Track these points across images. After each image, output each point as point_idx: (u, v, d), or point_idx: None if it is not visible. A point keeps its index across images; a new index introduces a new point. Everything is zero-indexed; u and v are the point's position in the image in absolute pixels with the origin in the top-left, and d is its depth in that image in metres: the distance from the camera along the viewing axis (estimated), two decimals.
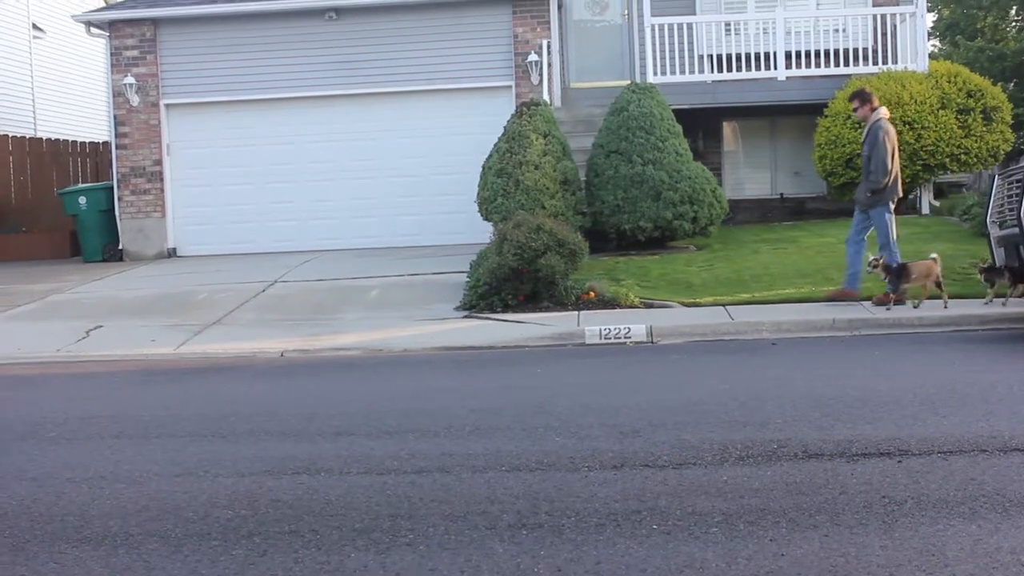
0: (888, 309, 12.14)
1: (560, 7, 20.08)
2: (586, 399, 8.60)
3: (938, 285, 12.15)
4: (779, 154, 21.14)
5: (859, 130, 17.34)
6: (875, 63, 19.09)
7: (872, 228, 12.76)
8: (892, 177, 12.51)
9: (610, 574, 4.91)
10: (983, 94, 18.14)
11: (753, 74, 19.00)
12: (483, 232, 15.77)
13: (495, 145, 16.34)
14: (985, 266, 12.28)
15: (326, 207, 19.96)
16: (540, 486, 6.20)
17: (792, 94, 19.13)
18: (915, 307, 12.13)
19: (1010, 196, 11.73)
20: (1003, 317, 11.50)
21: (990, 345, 10.56)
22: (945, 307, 11.97)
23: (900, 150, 17.27)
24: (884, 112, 12.89)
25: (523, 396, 8.97)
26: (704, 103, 19.13)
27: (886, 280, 12.30)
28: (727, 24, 19.75)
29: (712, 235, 16.83)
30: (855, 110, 13.07)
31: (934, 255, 12.33)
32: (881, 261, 12.28)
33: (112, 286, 16.85)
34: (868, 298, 12.47)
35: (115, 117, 20.43)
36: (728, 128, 21.28)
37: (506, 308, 13.07)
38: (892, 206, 12.66)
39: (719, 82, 19.23)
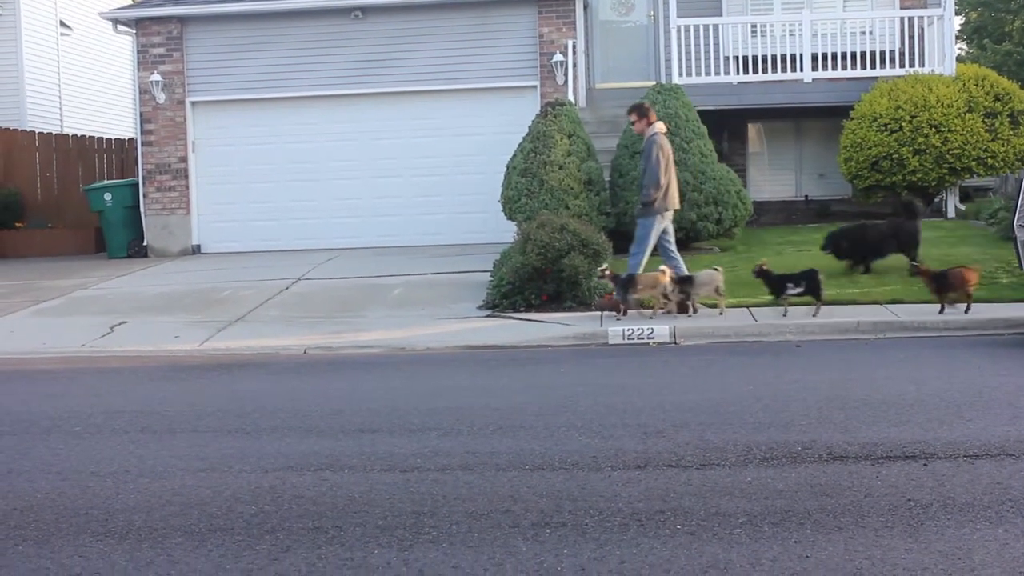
0: (618, 319, 12.29)
1: (586, 7, 20.06)
2: (609, 399, 8.58)
3: (665, 296, 12.30)
4: (804, 156, 21.07)
5: (886, 132, 17.32)
6: (902, 66, 19.00)
7: (670, 236, 13.05)
8: (664, 191, 12.69)
9: (634, 574, 4.91)
10: (1010, 97, 18.03)
11: (779, 76, 18.93)
12: (506, 231, 15.76)
13: (519, 145, 16.33)
14: (921, 268, 12.49)
15: (349, 205, 19.99)
16: (563, 485, 6.20)
17: (818, 96, 19.05)
18: (650, 316, 12.32)
19: None
20: None
21: (1017, 349, 10.48)
22: (653, 316, 12.27)
23: (926, 152, 17.36)
24: (660, 127, 13.06)
25: (546, 395, 8.96)
26: (729, 104, 19.08)
27: (615, 289, 12.47)
28: (753, 26, 19.67)
29: (736, 236, 16.77)
30: (632, 124, 13.25)
31: (663, 267, 12.45)
32: (608, 272, 12.51)
33: (136, 282, 16.92)
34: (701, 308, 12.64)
35: (141, 114, 20.51)
36: (753, 130, 21.21)
37: (529, 308, 13.05)
38: (663, 217, 12.83)
39: (744, 84, 19.17)
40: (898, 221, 14.32)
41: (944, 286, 11.94)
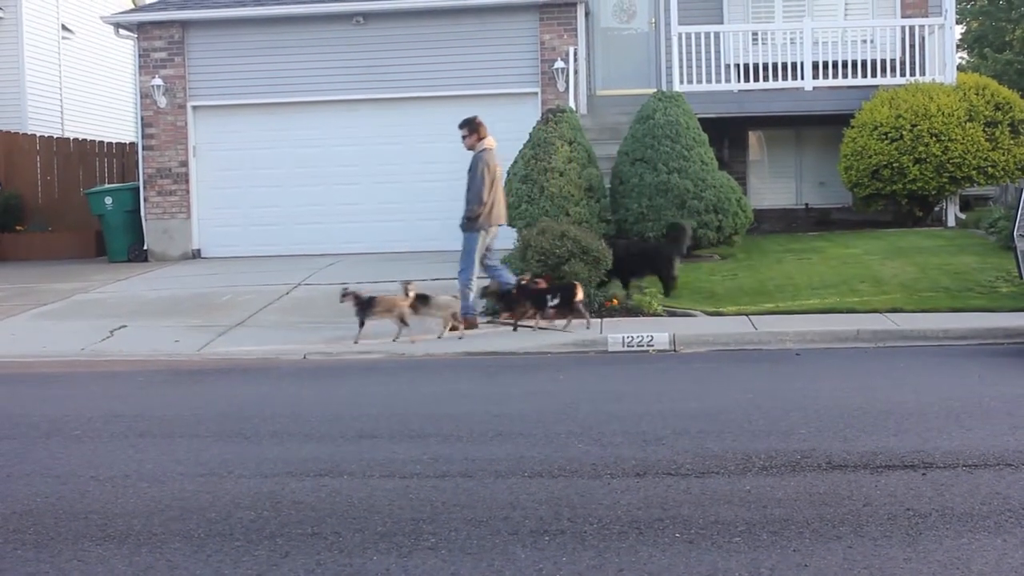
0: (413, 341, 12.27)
1: (587, 14, 20.07)
2: (609, 406, 8.59)
3: (402, 320, 12.25)
4: (804, 164, 21.08)
5: (887, 141, 17.34)
6: (902, 74, 19.01)
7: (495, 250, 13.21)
8: (488, 207, 12.84)
9: None
10: (1011, 107, 18.05)
11: (780, 84, 18.95)
12: (507, 238, 15.76)
13: (520, 151, 16.33)
14: (491, 290, 12.78)
15: (351, 210, 19.99)
16: (563, 492, 6.20)
17: (818, 104, 19.06)
18: (438, 337, 12.38)
19: None
20: None
21: (1016, 359, 10.48)
22: (396, 339, 12.21)
23: (927, 161, 17.37)
24: (490, 143, 13.16)
25: (546, 402, 8.96)
26: (730, 112, 19.10)
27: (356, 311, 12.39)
28: (754, 33, 19.69)
29: (736, 244, 16.78)
30: (463, 138, 13.31)
31: (410, 290, 12.42)
32: (350, 292, 12.37)
33: (137, 286, 16.92)
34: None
35: (142, 118, 20.53)
36: (754, 137, 21.23)
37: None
38: (488, 233, 12.96)
39: (745, 91, 19.19)
40: (658, 244, 14.35)
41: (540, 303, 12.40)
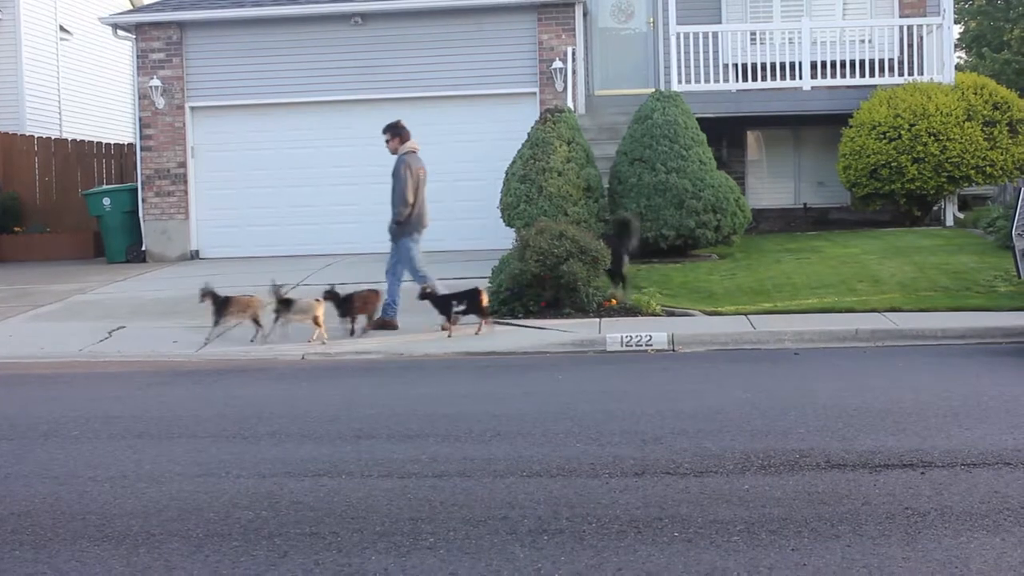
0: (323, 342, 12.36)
1: (585, 14, 20.08)
2: (607, 406, 8.58)
3: (255, 321, 12.43)
4: (803, 164, 21.08)
5: (885, 140, 17.34)
6: (901, 74, 19.01)
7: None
8: (414, 210, 12.92)
9: None
10: (1009, 106, 18.05)
11: (778, 83, 18.95)
12: (505, 238, 15.75)
13: (519, 151, 16.34)
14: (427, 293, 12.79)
15: (348, 211, 19.98)
16: (561, 492, 6.19)
17: (817, 104, 19.07)
18: (353, 334, 12.64)
19: None
20: None
21: (1014, 358, 10.48)
22: (254, 340, 12.42)
23: (925, 161, 17.37)
24: (412, 146, 13.23)
25: (544, 402, 8.95)
26: (728, 112, 19.09)
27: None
28: (752, 33, 19.69)
29: (735, 244, 16.78)
30: (386, 143, 13.37)
31: (252, 294, 12.79)
32: (209, 293, 12.48)
33: (135, 287, 16.91)
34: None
35: (140, 119, 20.53)
36: (752, 137, 21.23)
37: (528, 314, 13.06)
38: (418, 237, 13.08)
39: (744, 91, 19.20)
40: (606, 241, 14.19)
41: (349, 309, 12.62)
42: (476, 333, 12.37)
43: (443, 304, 12.60)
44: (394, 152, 13.22)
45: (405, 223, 12.93)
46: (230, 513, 6.01)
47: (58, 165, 23.61)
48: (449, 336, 12.41)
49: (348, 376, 10.84)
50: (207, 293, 12.40)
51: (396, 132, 13.28)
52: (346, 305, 12.72)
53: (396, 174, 12.98)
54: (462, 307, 12.51)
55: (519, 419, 8.19)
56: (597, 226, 15.22)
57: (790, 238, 18.36)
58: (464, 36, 19.75)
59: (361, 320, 12.87)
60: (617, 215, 14.72)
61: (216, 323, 12.34)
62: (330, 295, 12.64)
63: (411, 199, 12.86)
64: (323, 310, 12.39)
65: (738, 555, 5.16)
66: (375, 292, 13.11)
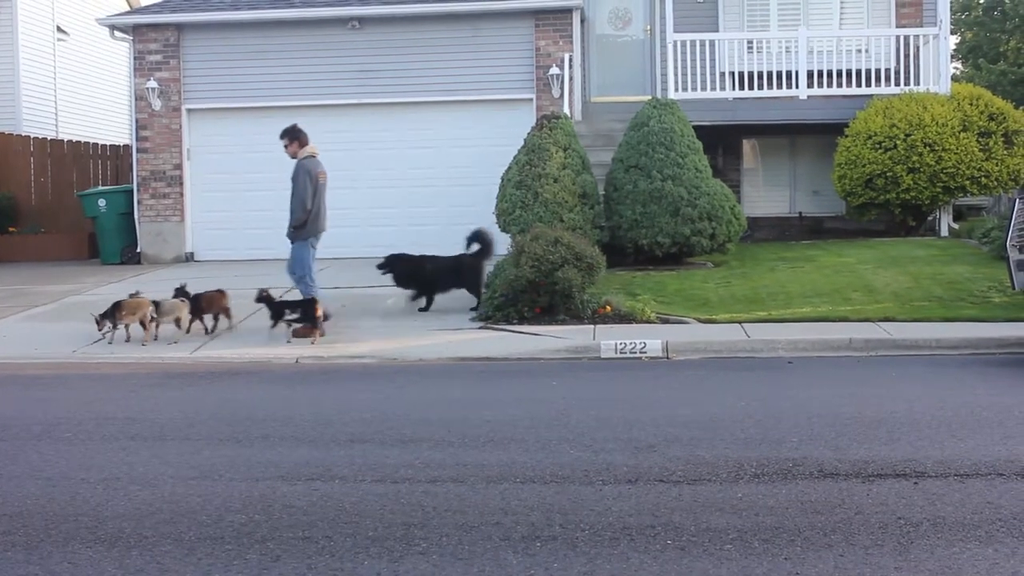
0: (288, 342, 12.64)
1: (583, 21, 20.09)
2: (601, 413, 8.58)
3: (142, 324, 12.68)
4: (798, 172, 21.10)
5: (881, 150, 17.37)
6: (897, 84, 19.04)
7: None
8: (311, 214, 12.92)
9: None
10: (1005, 117, 18.08)
11: (774, 92, 18.97)
12: (500, 244, 15.75)
13: (515, 157, 16.35)
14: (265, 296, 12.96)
15: (343, 215, 19.85)
16: (554, 498, 6.19)
17: (813, 113, 19.10)
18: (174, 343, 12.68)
19: None
20: (1022, 341, 11.41)
21: (1008, 369, 10.50)
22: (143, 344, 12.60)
23: (920, 171, 17.40)
24: (312, 151, 13.22)
25: (538, 408, 8.95)
26: (724, 120, 19.12)
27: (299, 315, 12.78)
28: (749, 42, 19.72)
29: (730, 252, 16.80)
30: (285, 147, 13.35)
31: (142, 295, 13.06)
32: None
33: (129, 288, 16.85)
34: None
35: (136, 121, 20.53)
36: (748, 145, 21.25)
37: (522, 320, 13.05)
38: (315, 242, 13.11)
39: (740, 99, 19.23)
40: (461, 257, 14.34)
41: (195, 308, 12.87)
42: (312, 343, 12.47)
43: (277, 310, 12.78)
44: (293, 156, 13.23)
45: (302, 228, 12.98)
46: (223, 516, 6.00)
47: (54, 166, 23.58)
48: (288, 342, 12.60)
49: (342, 380, 10.84)
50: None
51: (294, 136, 13.26)
52: (193, 304, 12.98)
53: (295, 179, 13.01)
54: (295, 315, 12.72)
55: (513, 425, 8.19)
56: (593, 233, 15.25)
57: (785, 247, 18.37)
58: (461, 41, 19.77)
59: (208, 319, 13.19)
60: (475, 230, 14.67)
61: (114, 326, 12.68)
62: (180, 293, 12.98)
63: (309, 204, 12.89)
64: (186, 311, 12.78)
65: (731, 563, 5.16)
66: (221, 292, 13.34)
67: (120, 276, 18.30)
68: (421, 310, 14.19)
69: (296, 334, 12.73)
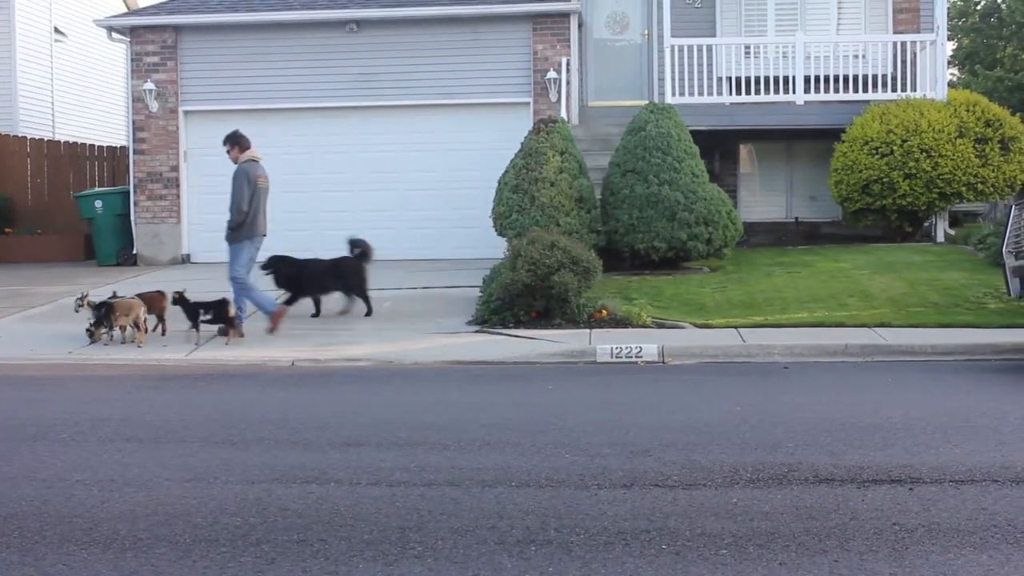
0: (96, 342, 12.83)
1: (580, 25, 20.11)
2: (596, 417, 8.59)
3: (136, 325, 12.77)
4: (795, 178, 21.14)
5: (877, 156, 17.39)
6: (894, 90, 19.08)
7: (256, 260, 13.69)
8: (248, 217, 13.17)
9: None
10: (1001, 124, 18.11)
11: (771, 97, 18.99)
12: (497, 247, 15.77)
13: (511, 161, 16.36)
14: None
15: (341, 218, 19.94)
16: (549, 503, 6.19)
17: (810, 118, 19.13)
18: (138, 345, 12.66)
19: None
20: (1018, 347, 11.44)
21: (1003, 375, 10.52)
22: (139, 346, 12.63)
23: (917, 177, 17.43)
24: (253, 155, 13.54)
25: (534, 412, 8.95)
26: (722, 125, 19.15)
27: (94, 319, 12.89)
28: (747, 47, 19.74)
29: (726, 257, 16.81)
30: (227, 152, 13.66)
31: (134, 296, 13.16)
32: (87, 299, 12.98)
33: (125, 290, 16.77)
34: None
35: (134, 122, 20.52)
36: (745, 150, 21.28)
37: (518, 324, 13.06)
38: (249, 244, 13.30)
39: (737, 104, 19.26)
40: (342, 259, 14.40)
41: (109, 315, 12.74)
42: (226, 343, 12.64)
43: (192, 311, 12.93)
44: (235, 161, 13.47)
45: (238, 229, 13.18)
46: (218, 519, 6.00)
47: (50, 167, 23.57)
48: (227, 343, 12.74)
49: (337, 383, 10.83)
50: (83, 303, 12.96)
51: (235, 142, 13.56)
52: (104, 311, 12.99)
53: (234, 182, 13.27)
54: (208, 316, 12.89)
55: (508, 429, 8.19)
56: (589, 237, 15.26)
57: (781, 252, 18.40)
58: (459, 45, 19.79)
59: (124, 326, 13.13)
60: (352, 237, 14.77)
61: (111, 327, 12.85)
62: (179, 300, 13.11)
63: (246, 207, 13.10)
64: (143, 312, 12.85)
65: (726, 568, 5.16)
66: (161, 294, 13.42)
67: (116, 277, 18.28)
68: (312, 316, 14.33)
69: (220, 333, 12.92)
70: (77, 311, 13.04)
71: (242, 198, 13.09)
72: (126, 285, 17.28)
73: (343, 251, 19.49)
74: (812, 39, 19.56)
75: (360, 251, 14.43)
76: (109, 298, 13.01)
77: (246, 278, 13.24)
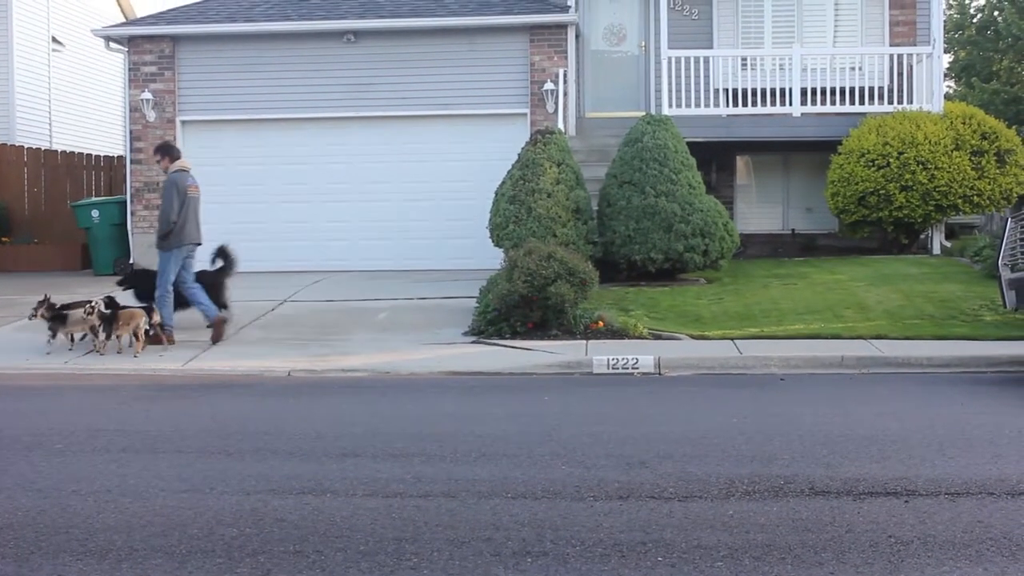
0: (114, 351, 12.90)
1: (578, 37, 20.15)
2: (593, 428, 8.58)
3: (136, 335, 12.82)
4: (791, 189, 21.17)
5: (874, 168, 17.42)
6: (890, 102, 19.13)
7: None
8: (177, 226, 13.42)
9: None
10: (997, 136, 18.16)
11: (768, 109, 19.04)
12: (493, 258, 15.79)
13: (508, 172, 16.38)
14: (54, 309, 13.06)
15: (338, 228, 20.01)
16: (545, 514, 6.19)
17: (806, 130, 19.16)
18: (135, 355, 12.69)
19: (1023, 239, 11.73)
20: (1014, 359, 11.46)
21: (999, 387, 10.53)
22: (136, 355, 12.67)
23: (913, 189, 17.47)
24: (183, 165, 13.84)
25: (530, 423, 8.95)
26: (718, 137, 19.19)
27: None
28: (743, 59, 19.80)
29: (723, 268, 16.82)
30: (158, 162, 14.15)
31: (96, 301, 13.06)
32: (45, 304, 12.99)
33: (121, 300, 16.81)
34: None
35: (131, 132, 20.54)
36: (741, 162, 21.32)
37: (514, 335, 13.06)
38: (179, 253, 13.49)
39: (734, 116, 19.29)
40: (201, 273, 14.25)
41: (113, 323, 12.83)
42: (135, 355, 12.65)
43: (109, 321, 12.88)
44: (165, 171, 13.81)
45: (166, 238, 13.40)
46: (214, 530, 5.99)
47: (47, 176, 23.58)
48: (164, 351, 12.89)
49: (334, 394, 10.83)
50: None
51: (166, 152, 13.95)
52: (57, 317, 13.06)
53: (164, 191, 13.59)
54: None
55: (504, 440, 8.19)
56: (586, 248, 15.27)
57: (777, 263, 18.42)
58: (456, 56, 19.83)
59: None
60: (220, 246, 14.61)
61: (87, 335, 13.11)
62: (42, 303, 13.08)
63: (174, 217, 13.35)
64: (96, 320, 12.80)
65: None
66: (139, 310, 13.26)
67: (113, 287, 18.23)
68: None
69: (151, 341, 12.97)
70: (31, 319, 13.13)
71: (171, 208, 13.35)
72: (126, 294, 17.27)
73: (338, 261, 19.65)
74: (809, 51, 19.60)
75: (223, 264, 14.39)
76: (105, 305, 13.01)
77: (169, 288, 13.43)
